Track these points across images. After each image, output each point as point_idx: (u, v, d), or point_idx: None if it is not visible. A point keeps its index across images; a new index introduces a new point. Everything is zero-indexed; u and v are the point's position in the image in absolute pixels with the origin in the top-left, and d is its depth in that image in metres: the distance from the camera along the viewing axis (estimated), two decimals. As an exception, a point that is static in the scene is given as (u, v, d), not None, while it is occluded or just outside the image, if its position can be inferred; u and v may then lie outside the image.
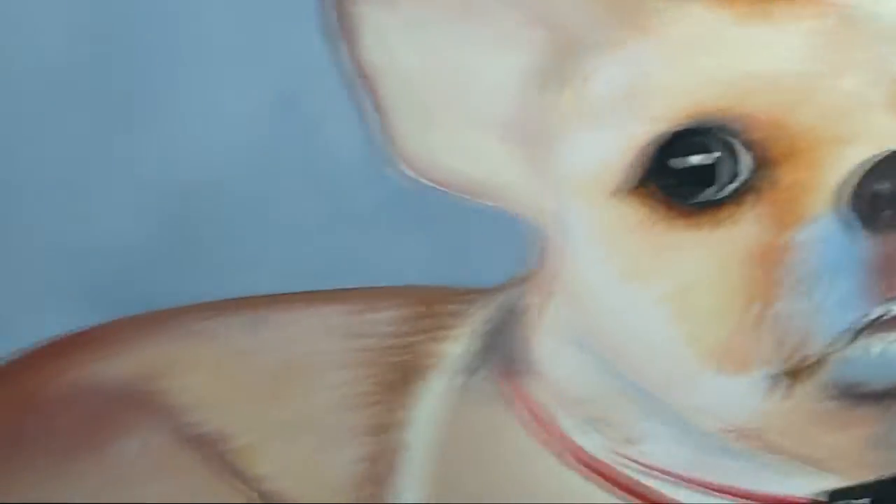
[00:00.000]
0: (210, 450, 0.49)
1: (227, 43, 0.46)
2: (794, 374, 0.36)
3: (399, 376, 0.48)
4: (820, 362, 0.35)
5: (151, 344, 0.53)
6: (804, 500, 0.39)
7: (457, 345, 0.47)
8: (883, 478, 0.38)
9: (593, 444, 0.42)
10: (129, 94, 0.50)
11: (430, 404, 0.47)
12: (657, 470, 0.41)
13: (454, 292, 0.49)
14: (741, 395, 0.37)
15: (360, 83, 0.41)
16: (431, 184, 0.42)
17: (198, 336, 0.52)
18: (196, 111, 0.48)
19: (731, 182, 0.36)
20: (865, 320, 0.34)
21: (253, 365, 0.51)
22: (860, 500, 0.39)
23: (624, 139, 0.38)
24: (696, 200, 0.37)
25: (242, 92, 0.47)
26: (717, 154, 0.36)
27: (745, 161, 0.36)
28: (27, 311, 0.55)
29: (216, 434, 0.50)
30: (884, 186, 0.33)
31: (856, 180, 0.33)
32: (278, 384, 0.50)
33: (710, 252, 0.37)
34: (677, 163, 0.37)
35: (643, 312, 0.38)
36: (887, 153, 0.33)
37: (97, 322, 0.54)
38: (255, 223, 0.49)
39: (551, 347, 0.43)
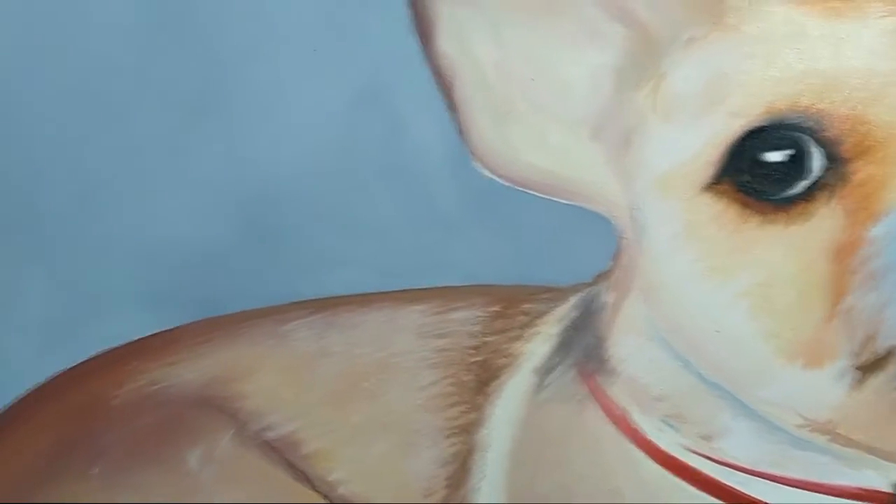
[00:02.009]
0: (283, 455, 0.54)
1: (308, 36, 0.50)
2: (867, 367, 0.40)
3: (476, 376, 0.53)
4: (890, 356, 0.39)
5: (224, 348, 0.58)
6: (879, 492, 0.44)
7: (533, 344, 0.52)
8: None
9: (668, 442, 0.47)
10: (202, 90, 0.53)
11: (507, 404, 0.52)
12: (733, 466, 0.45)
13: (531, 291, 0.54)
14: (816, 390, 0.41)
15: (438, 79, 0.45)
16: (508, 181, 0.46)
17: (271, 339, 0.57)
18: (274, 106, 0.52)
19: (806, 178, 0.41)
20: None
21: (326, 367, 0.56)
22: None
23: (701, 136, 0.42)
24: (772, 197, 0.41)
25: (323, 86, 0.50)
26: (792, 151, 0.41)
27: (820, 157, 0.40)
28: (99, 314, 0.59)
29: (289, 439, 0.55)
30: None
31: None
32: (352, 387, 0.55)
33: (786, 248, 0.41)
34: (755, 159, 0.41)
35: (722, 308, 0.43)
36: None
37: (169, 326, 0.59)
38: (333, 223, 0.53)
39: (628, 345, 0.48)
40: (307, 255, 0.54)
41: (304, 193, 0.53)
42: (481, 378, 0.53)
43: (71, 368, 0.60)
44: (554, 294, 0.53)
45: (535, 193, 0.46)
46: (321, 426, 0.55)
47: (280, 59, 0.51)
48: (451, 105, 0.46)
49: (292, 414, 0.56)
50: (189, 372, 0.57)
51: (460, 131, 0.46)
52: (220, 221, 0.55)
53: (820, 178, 0.41)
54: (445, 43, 0.45)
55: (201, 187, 0.55)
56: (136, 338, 0.59)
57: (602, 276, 0.49)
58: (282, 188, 0.53)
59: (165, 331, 0.60)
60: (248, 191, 0.54)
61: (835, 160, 0.41)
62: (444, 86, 0.46)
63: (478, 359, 0.53)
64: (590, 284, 0.51)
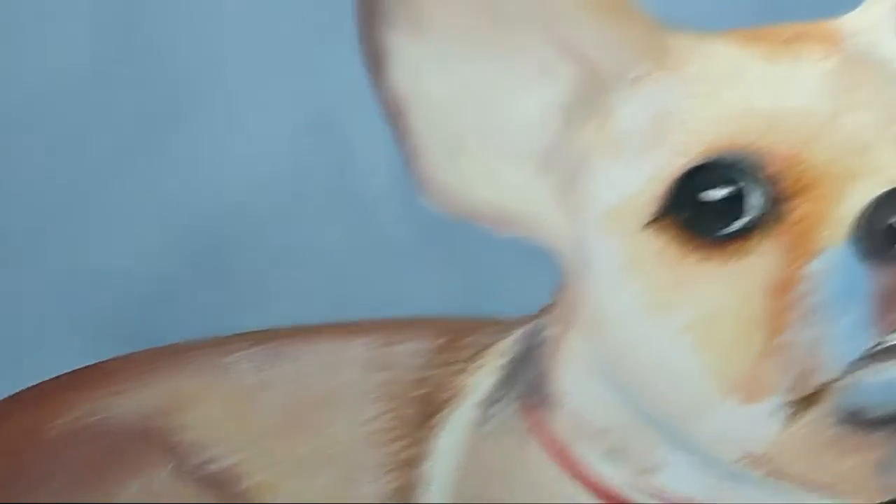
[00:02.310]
0: (224, 488, 0.55)
1: (261, 64, 0.51)
2: (804, 401, 0.42)
3: (419, 410, 0.54)
4: (827, 390, 0.41)
5: (166, 379, 0.59)
6: (816, 526, 0.44)
7: (477, 377, 0.53)
8: (890, 501, 0.44)
9: (612, 475, 0.48)
10: (148, 121, 0.55)
11: (449, 438, 0.53)
12: (675, 499, 0.47)
13: (476, 324, 0.55)
14: (753, 424, 0.43)
15: (387, 111, 0.46)
16: (458, 214, 0.47)
17: (213, 370, 0.58)
18: (224, 133, 0.53)
19: (746, 216, 0.42)
20: (871, 349, 0.40)
21: (269, 400, 0.56)
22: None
23: (645, 173, 0.44)
24: (713, 233, 0.43)
25: (272, 117, 0.51)
26: (732, 188, 0.42)
27: (759, 195, 0.42)
28: (39, 341, 0.59)
29: (231, 472, 0.55)
30: (891, 220, 0.39)
31: (865, 214, 0.39)
32: (295, 419, 0.55)
33: (726, 284, 0.42)
34: (697, 196, 0.43)
35: (664, 343, 0.44)
36: (893, 188, 0.40)
37: (110, 355, 0.60)
38: (279, 253, 0.54)
39: (572, 378, 0.49)
40: (252, 285, 0.55)
41: (250, 224, 0.54)
42: (424, 412, 0.54)
43: (7, 399, 0.60)
44: (499, 327, 0.54)
45: (482, 226, 0.47)
46: (263, 459, 0.56)
47: (229, 89, 0.52)
48: (401, 137, 0.47)
49: (234, 447, 0.56)
50: (129, 403, 0.58)
51: (409, 163, 0.47)
52: (164, 252, 0.56)
53: (759, 215, 0.42)
54: (396, 75, 0.46)
55: (145, 218, 0.56)
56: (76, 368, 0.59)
57: (547, 309, 0.50)
58: (227, 218, 0.54)
59: (106, 361, 0.61)
60: (193, 221, 0.55)
61: (773, 198, 0.42)
62: (393, 118, 0.46)
63: (421, 392, 0.54)
64: (535, 317, 0.52)
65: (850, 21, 0.47)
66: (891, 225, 0.39)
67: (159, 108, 0.53)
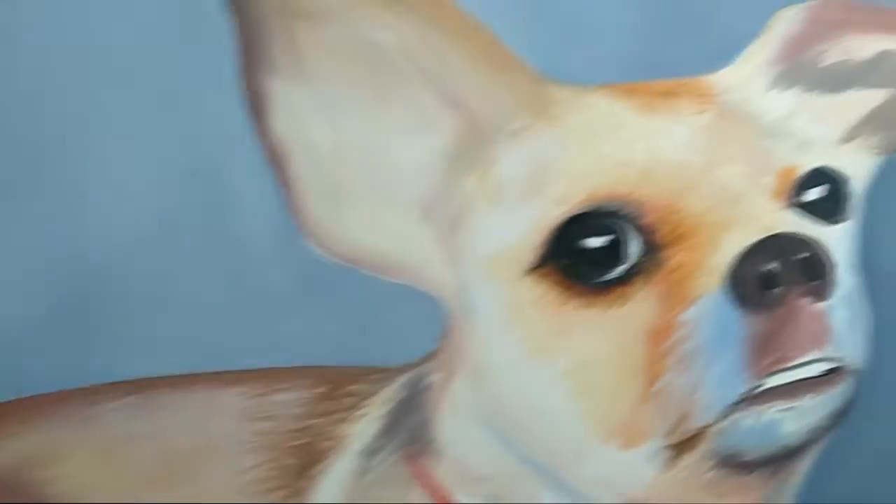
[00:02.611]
0: None
1: (137, 111, 0.51)
2: (682, 445, 0.43)
3: (300, 460, 0.54)
4: (702, 434, 0.43)
5: (35, 430, 0.57)
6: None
7: (359, 426, 0.54)
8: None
9: None
10: (17, 165, 0.54)
11: (330, 488, 0.53)
12: None
13: (357, 372, 0.55)
14: (631, 468, 0.44)
15: (269, 157, 0.46)
16: (340, 261, 0.47)
17: (83, 421, 0.57)
18: (95, 183, 0.52)
19: (624, 263, 0.44)
20: (747, 393, 0.42)
21: (141, 450, 0.56)
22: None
23: (526, 221, 0.45)
24: (592, 280, 0.44)
25: (151, 162, 0.51)
26: (611, 237, 0.44)
27: (638, 243, 0.44)
28: None
29: None
30: (763, 268, 0.41)
31: (738, 261, 0.41)
32: (168, 470, 0.55)
33: (604, 330, 0.44)
34: (576, 244, 0.44)
35: (544, 389, 0.45)
36: (766, 237, 0.42)
37: None
38: (156, 301, 0.54)
39: (454, 425, 0.49)
40: (125, 335, 0.54)
41: (125, 271, 0.53)
42: (305, 462, 0.54)
43: None
44: (382, 375, 0.55)
45: (365, 272, 0.48)
46: None
47: (105, 132, 0.52)
48: (283, 183, 0.47)
49: (102, 499, 0.55)
50: (0, 454, 0.57)
51: (291, 209, 0.47)
52: (35, 300, 0.55)
53: (637, 263, 0.44)
54: (278, 122, 0.46)
55: (16, 265, 0.55)
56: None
57: (430, 357, 0.51)
58: (101, 266, 0.53)
59: (-25, 411, 0.58)
60: (65, 269, 0.54)
61: (651, 247, 0.44)
62: (275, 164, 0.47)
63: (301, 442, 0.54)
64: (418, 364, 0.52)
65: (723, 77, 0.50)
66: (763, 272, 0.41)
67: (27, 156, 0.52)
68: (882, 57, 0.50)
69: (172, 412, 0.57)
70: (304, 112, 0.46)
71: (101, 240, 0.52)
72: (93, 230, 0.52)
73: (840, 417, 0.43)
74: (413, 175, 0.48)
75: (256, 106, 0.46)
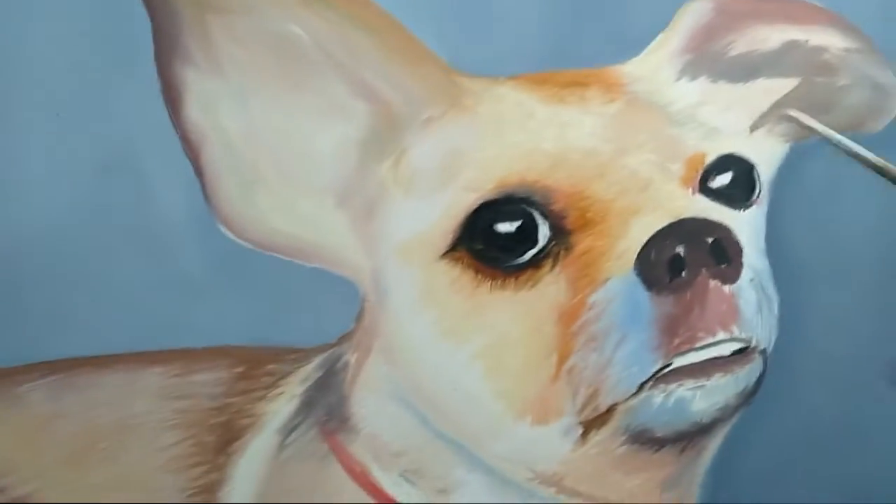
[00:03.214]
0: None
1: (56, 100, 0.47)
2: (590, 423, 0.41)
3: (218, 437, 0.50)
4: (612, 412, 0.40)
5: None
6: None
7: (276, 404, 0.50)
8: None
9: (407, 496, 0.46)
10: None
11: (249, 463, 0.50)
12: None
13: (274, 352, 0.52)
14: (544, 444, 0.42)
15: (185, 145, 0.43)
16: (254, 246, 0.44)
17: (5, 401, 0.52)
18: (15, 170, 0.48)
19: (534, 248, 0.41)
20: (657, 371, 0.39)
21: (63, 429, 0.52)
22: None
23: (439, 207, 0.42)
24: (503, 264, 0.41)
25: (70, 151, 0.47)
26: (521, 222, 0.41)
27: (546, 229, 0.41)
28: None
29: (25, 500, 0.50)
30: (671, 252, 0.39)
31: (649, 245, 0.39)
32: (90, 448, 0.51)
33: (515, 312, 0.41)
34: (488, 229, 0.41)
35: (458, 368, 0.42)
36: (673, 222, 0.40)
37: None
38: (75, 285, 0.50)
39: (369, 403, 0.47)
40: (47, 317, 0.49)
41: (46, 256, 0.49)
42: (223, 438, 0.51)
43: None
44: (299, 355, 0.52)
45: (280, 257, 0.45)
46: (58, 487, 0.51)
47: (23, 121, 0.47)
48: (199, 170, 0.44)
49: (27, 476, 0.51)
50: None
51: (206, 196, 0.44)
52: None
53: (546, 247, 0.41)
54: (193, 111, 0.43)
55: None
56: None
57: (345, 337, 0.48)
58: (23, 251, 0.49)
59: None
60: None
61: (560, 231, 0.41)
62: (191, 152, 0.44)
63: (220, 420, 0.52)
64: (334, 345, 0.49)
65: (631, 67, 0.47)
66: (671, 256, 0.39)
67: None
68: (788, 47, 0.48)
69: (93, 391, 0.53)
70: (217, 101, 0.43)
71: (21, 227, 0.49)
72: (13, 217, 0.48)
73: (749, 396, 0.41)
74: (327, 162, 0.44)
75: (171, 95, 0.43)
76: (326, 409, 0.48)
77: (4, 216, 0.48)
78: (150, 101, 0.42)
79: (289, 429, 0.49)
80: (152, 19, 0.42)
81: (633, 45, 0.46)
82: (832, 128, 0.47)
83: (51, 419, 0.52)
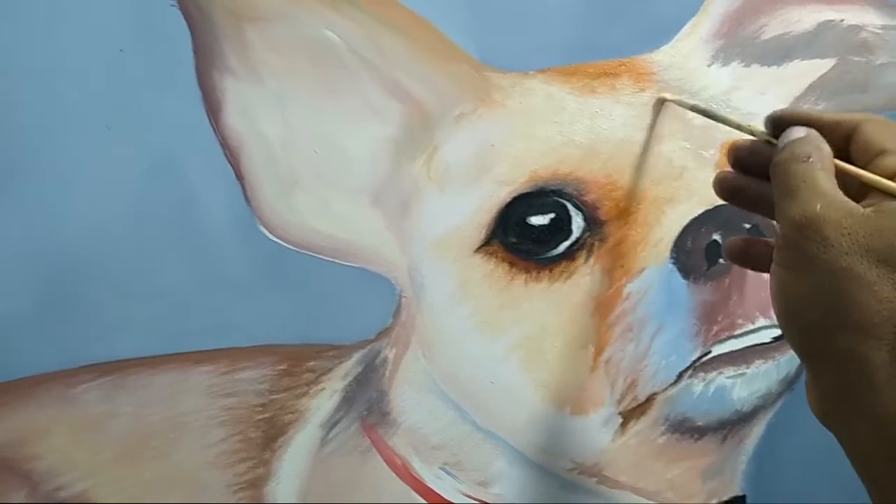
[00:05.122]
0: None
1: (100, 110, 0.46)
2: (629, 413, 0.38)
3: (264, 433, 0.48)
4: (650, 401, 0.38)
5: (16, 411, 0.51)
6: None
7: (318, 399, 0.48)
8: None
9: (447, 489, 0.43)
10: None
11: (293, 458, 0.47)
12: None
13: (317, 349, 0.50)
14: (583, 435, 0.40)
15: (226, 151, 0.42)
16: (293, 246, 0.43)
17: (61, 402, 0.51)
18: (66, 179, 0.47)
19: (568, 239, 0.39)
20: (696, 360, 0.37)
21: (116, 428, 0.50)
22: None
23: (472, 202, 0.40)
24: (537, 256, 0.39)
25: (114, 158, 0.46)
26: (554, 214, 0.39)
27: (580, 220, 0.39)
28: None
29: (82, 498, 0.49)
30: (705, 240, 0.36)
31: (684, 234, 0.37)
32: (141, 446, 0.49)
33: (551, 304, 0.39)
34: (522, 222, 0.39)
35: (495, 360, 0.40)
36: (708, 209, 0.37)
37: None
38: (125, 288, 0.48)
39: (408, 397, 0.44)
40: (98, 320, 0.48)
41: (96, 262, 0.48)
42: (268, 434, 0.48)
43: None
44: (339, 351, 0.49)
45: (319, 256, 0.43)
46: (112, 484, 0.49)
47: (72, 134, 0.45)
48: (239, 175, 0.42)
49: (84, 473, 0.49)
50: None
51: (247, 199, 0.42)
52: (12, 290, 0.49)
53: (580, 238, 0.39)
54: (232, 118, 0.42)
55: None
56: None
57: (384, 333, 0.46)
58: (74, 257, 0.48)
59: (-43, 396, 0.52)
60: (40, 260, 0.49)
61: (593, 222, 0.39)
62: (232, 157, 0.42)
63: (265, 416, 0.49)
64: (372, 341, 0.46)
65: (661, 56, 0.44)
66: (708, 244, 0.37)
67: (4, 154, 0.46)
68: (823, 27, 0.45)
69: (144, 391, 0.51)
70: (255, 108, 0.42)
71: (74, 234, 0.48)
72: (66, 225, 0.48)
73: (792, 383, 0.38)
74: (361, 163, 0.42)
75: (212, 104, 0.42)
76: (367, 404, 0.46)
77: (57, 224, 0.47)
78: (191, 111, 0.41)
79: (331, 424, 0.47)
80: (192, 32, 0.41)
81: (663, 33, 0.43)
82: (869, 109, 0.44)
83: (104, 418, 0.50)
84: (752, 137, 0.33)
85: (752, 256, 0.34)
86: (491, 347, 0.40)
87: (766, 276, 0.35)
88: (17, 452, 0.49)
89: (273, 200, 0.42)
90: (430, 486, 0.44)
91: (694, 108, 0.39)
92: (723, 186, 0.33)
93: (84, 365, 0.50)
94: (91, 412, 0.49)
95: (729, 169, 0.34)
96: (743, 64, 0.43)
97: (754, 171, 0.33)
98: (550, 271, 0.39)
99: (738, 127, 0.34)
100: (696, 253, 0.36)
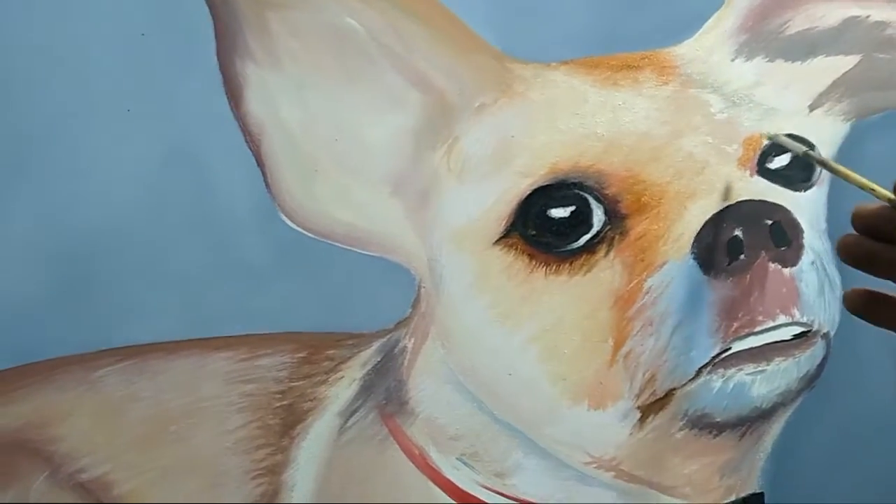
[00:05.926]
0: (96, 496, 0.48)
1: (122, 96, 0.45)
2: (647, 408, 0.38)
3: (282, 420, 0.48)
4: (670, 396, 0.37)
5: (37, 394, 0.51)
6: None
7: (337, 388, 0.48)
8: (730, 500, 0.40)
9: (464, 479, 0.43)
10: (13, 149, 0.48)
11: (311, 446, 0.47)
12: (525, 502, 0.42)
13: (336, 338, 0.49)
14: (601, 429, 0.39)
15: (247, 138, 0.41)
16: (313, 234, 0.42)
17: (82, 385, 0.50)
18: (86, 164, 0.47)
19: (588, 232, 0.38)
20: (716, 356, 0.37)
21: (136, 412, 0.50)
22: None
23: (492, 194, 0.40)
24: (557, 249, 0.39)
25: (135, 145, 0.45)
26: (575, 207, 0.38)
27: (601, 213, 0.38)
28: None
29: (102, 480, 0.48)
30: (727, 235, 0.36)
31: (706, 229, 0.36)
32: (161, 430, 0.49)
33: (570, 297, 0.39)
34: (542, 214, 0.39)
35: (513, 352, 0.40)
36: (732, 204, 0.37)
37: None
38: (143, 274, 0.48)
39: (426, 387, 0.44)
40: (118, 305, 0.48)
41: (115, 247, 0.48)
42: (287, 421, 0.48)
43: None
44: (358, 340, 0.49)
45: (338, 245, 0.43)
46: (131, 468, 0.49)
47: (93, 118, 0.45)
48: (260, 162, 0.42)
49: (104, 456, 0.49)
50: (2, 417, 0.50)
51: (268, 186, 0.42)
52: (33, 274, 0.49)
53: (600, 232, 0.39)
54: (253, 104, 0.41)
55: (14, 242, 0.48)
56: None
57: (403, 323, 0.45)
58: (94, 241, 0.48)
59: (-21, 377, 0.52)
60: (60, 244, 0.49)
61: (614, 216, 0.39)
62: (252, 144, 0.42)
63: (284, 403, 0.49)
64: (391, 331, 0.46)
65: (684, 49, 0.43)
66: (729, 239, 0.36)
67: (22, 140, 0.47)
68: (848, 23, 0.44)
69: (164, 376, 0.51)
70: (277, 94, 0.42)
71: (95, 219, 0.48)
72: (87, 209, 0.48)
73: (812, 381, 0.38)
74: (382, 152, 0.42)
75: (233, 90, 0.41)
76: (385, 393, 0.46)
77: (77, 210, 0.47)
78: (212, 96, 0.41)
79: (349, 412, 0.47)
80: (214, 17, 0.40)
81: (686, 26, 0.43)
82: (894, 106, 0.43)
83: (124, 403, 0.50)
84: (878, 201, 0.31)
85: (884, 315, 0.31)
86: (509, 339, 0.40)
87: (787, 271, 0.36)
88: (39, 434, 0.49)
89: (293, 188, 0.42)
90: (447, 476, 0.43)
91: (806, 155, 0.38)
92: (848, 252, 0.32)
93: (105, 349, 0.50)
94: (112, 396, 0.49)
95: (853, 233, 0.32)
96: (767, 59, 0.43)
97: (883, 237, 0.31)
98: (570, 264, 0.38)
99: (863, 186, 0.33)
100: (717, 248, 0.36)
